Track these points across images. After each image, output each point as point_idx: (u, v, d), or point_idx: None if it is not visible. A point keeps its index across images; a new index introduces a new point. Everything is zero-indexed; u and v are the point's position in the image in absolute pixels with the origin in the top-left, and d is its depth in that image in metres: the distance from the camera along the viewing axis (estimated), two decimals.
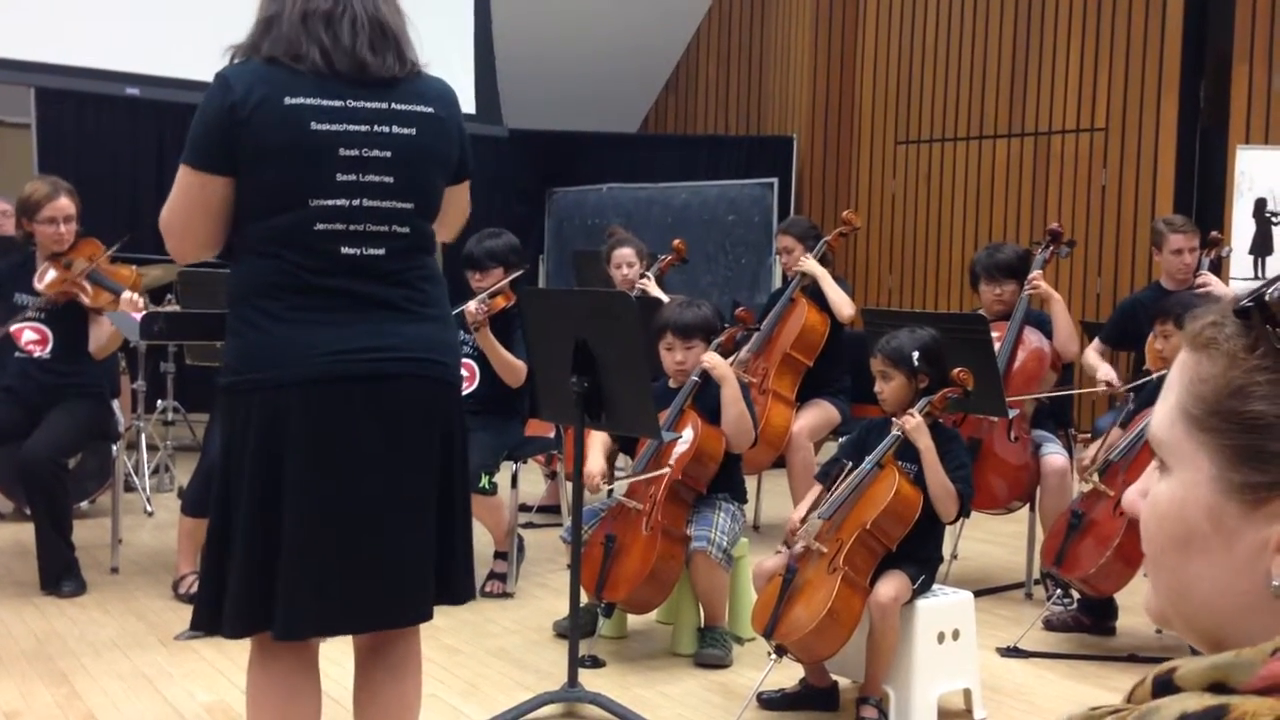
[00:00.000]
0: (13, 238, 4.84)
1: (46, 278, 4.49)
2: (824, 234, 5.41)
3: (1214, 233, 5.12)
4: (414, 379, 2.28)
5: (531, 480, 5.83)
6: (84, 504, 5.41)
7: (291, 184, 2.21)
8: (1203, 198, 8.01)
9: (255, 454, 2.20)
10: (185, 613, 4.03)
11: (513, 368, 4.48)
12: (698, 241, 8.28)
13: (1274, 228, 7.15)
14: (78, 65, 7.64)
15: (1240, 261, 7.09)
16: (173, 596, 4.34)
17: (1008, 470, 4.53)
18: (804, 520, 3.35)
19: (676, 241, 5.55)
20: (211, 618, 2.27)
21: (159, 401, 6.45)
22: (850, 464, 3.38)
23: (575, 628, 3.37)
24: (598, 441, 4.02)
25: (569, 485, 4.06)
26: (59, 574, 4.37)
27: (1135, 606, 4.04)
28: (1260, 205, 7.18)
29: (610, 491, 3.97)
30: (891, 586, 3.21)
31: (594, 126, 10.20)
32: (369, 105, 2.25)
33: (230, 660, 3.59)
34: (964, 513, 3.45)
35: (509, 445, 4.63)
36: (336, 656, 3.08)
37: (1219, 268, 5.27)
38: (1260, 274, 7.10)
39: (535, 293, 4.93)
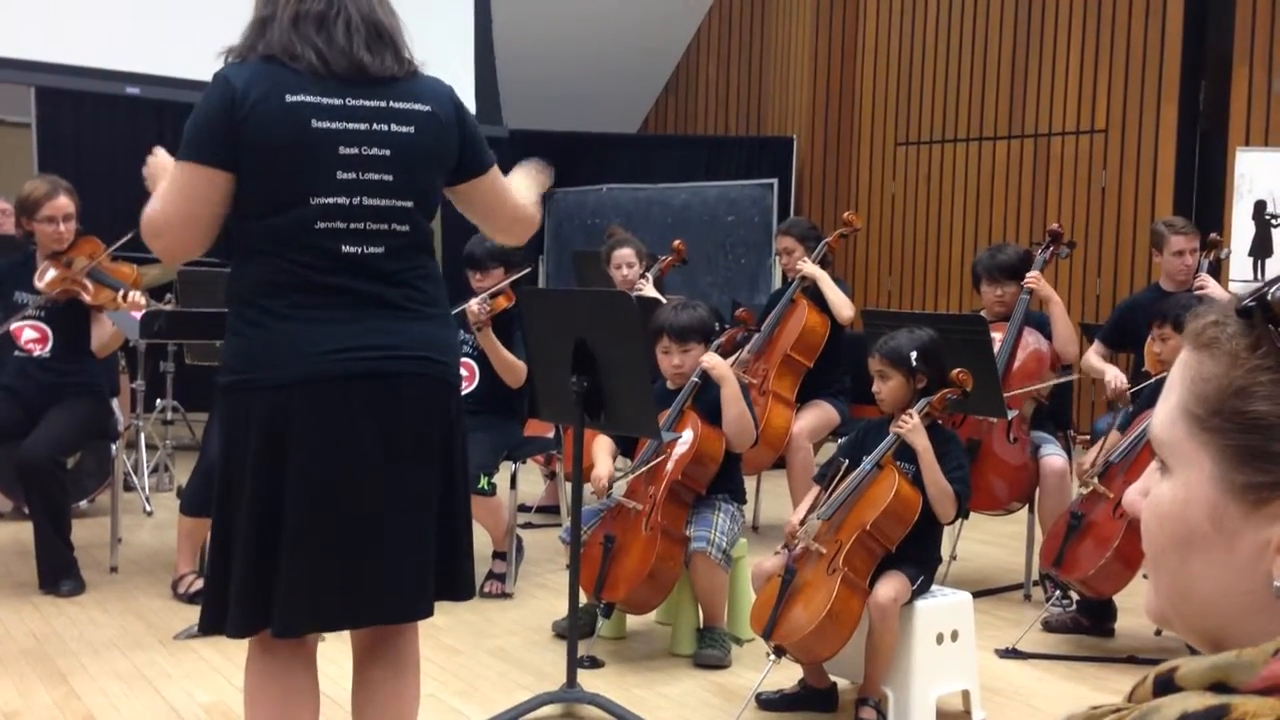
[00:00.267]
0: (13, 236, 4.84)
1: (47, 276, 4.49)
2: (824, 235, 5.41)
3: (1213, 234, 5.12)
4: (414, 378, 2.28)
5: (530, 480, 5.83)
6: (83, 503, 5.41)
7: (292, 182, 2.21)
8: (1202, 200, 8.01)
9: (255, 453, 2.20)
10: (185, 612, 4.05)
11: (513, 368, 4.48)
12: (697, 242, 8.28)
13: (1273, 230, 7.16)
14: (78, 64, 7.65)
15: (1240, 263, 7.10)
16: (172, 596, 4.34)
17: (1007, 471, 4.53)
18: (803, 522, 3.35)
19: (677, 242, 5.55)
20: (219, 619, 2.27)
21: (158, 401, 6.46)
22: (847, 462, 3.38)
23: (574, 628, 3.37)
24: (604, 446, 4.02)
25: (568, 485, 4.06)
26: (58, 573, 4.37)
27: (1134, 608, 4.04)
28: (1260, 207, 7.19)
29: (609, 492, 3.97)
30: (890, 587, 3.21)
31: (594, 127, 10.21)
32: (368, 104, 2.25)
33: (229, 660, 3.59)
34: (962, 513, 3.45)
35: (508, 445, 4.63)
36: (335, 656, 3.08)
37: (1218, 270, 5.27)
38: (1259, 276, 7.11)
39: (535, 292, 4.93)
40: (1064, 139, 8.56)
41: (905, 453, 3.33)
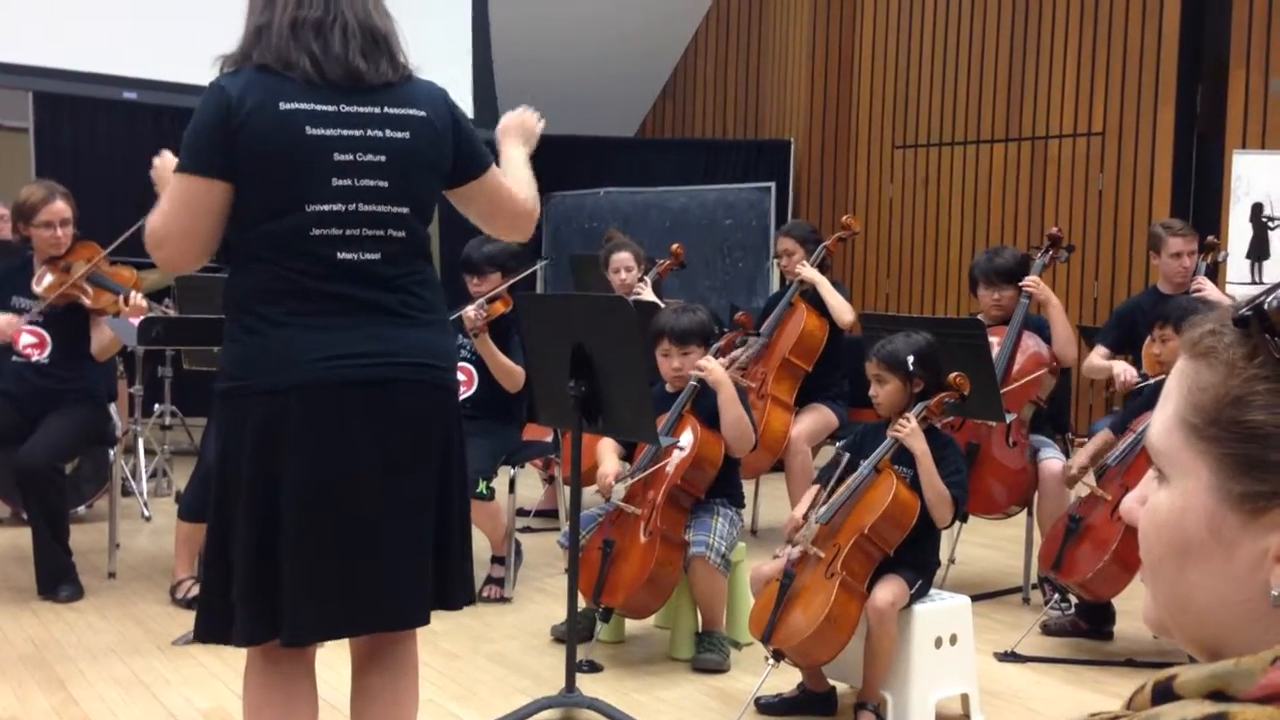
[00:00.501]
0: (10, 241, 4.84)
1: (44, 281, 4.49)
2: (823, 238, 5.41)
3: (1210, 237, 5.12)
4: (411, 384, 2.28)
5: (529, 485, 5.83)
6: (81, 509, 5.40)
7: (288, 189, 2.21)
8: (1200, 202, 8.02)
9: (252, 459, 2.20)
10: (183, 618, 4.04)
11: (511, 373, 4.48)
12: (695, 245, 8.28)
13: (1270, 232, 7.16)
14: (75, 69, 7.65)
15: (1237, 266, 7.10)
16: (170, 602, 4.33)
17: (1006, 475, 4.53)
18: (805, 518, 3.36)
19: (675, 246, 5.55)
20: (215, 627, 2.27)
21: (156, 406, 6.45)
22: (848, 455, 3.39)
23: (573, 632, 3.37)
24: (609, 446, 4.03)
25: (567, 490, 4.06)
26: (56, 579, 4.36)
27: (1133, 611, 4.04)
28: (1257, 210, 7.19)
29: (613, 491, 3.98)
30: (889, 591, 3.21)
31: (592, 130, 10.20)
32: (362, 110, 2.25)
33: (228, 666, 3.58)
34: (959, 517, 3.45)
35: (507, 450, 4.62)
36: (333, 661, 3.07)
37: (1215, 272, 5.27)
38: (1257, 278, 7.11)
39: (533, 298, 4.93)
40: (1061, 142, 8.57)
41: (903, 457, 3.33)
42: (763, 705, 3.39)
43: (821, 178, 9.90)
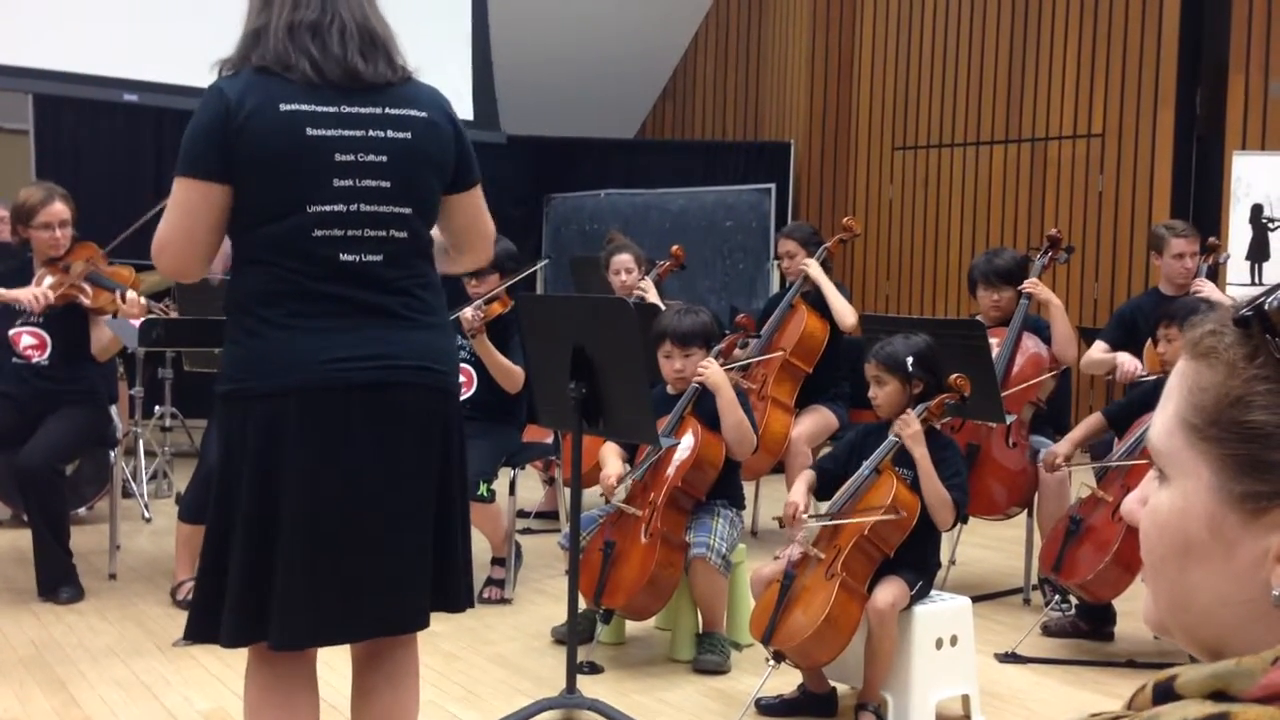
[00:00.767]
0: (9, 244, 4.84)
1: (44, 283, 4.49)
2: (824, 240, 5.42)
3: (1212, 238, 5.12)
4: (412, 387, 2.28)
5: (529, 486, 5.82)
6: (82, 510, 5.40)
7: (289, 190, 2.20)
8: (1199, 204, 8.02)
9: (253, 461, 2.20)
10: (183, 619, 4.00)
11: (510, 374, 4.47)
12: (695, 247, 8.28)
13: (1270, 234, 7.16)
14: (75, 71, 7.64)
15: (1237, 267, 7.10)
16: (171, 603, 4.33)
17: (1006, 476, 4.53)
18: (803, 511, 3.36)
19: (675, 248, 5.55)
20: (206, 627, 2.26)
21: (157, 407, 6.45)
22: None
23: (573, 634, 3.37)
24: (613, 448, 4.03)
25: (567, 491, 4.06)
26: (57, 580, 4.36)
27: (1133, 612, 4.04)
28: (1256, 211, 7.19)
29: (611, 498, 3.98)
30: (889, 592, 3.21)
31: (592, 132, 10.21)
32: (363, 110, 2.24)
33: (229, 668, 3.58)
34: (960, 519, 3.45)
35: (507, 452, 4.62)
36: (334, 663, 3.07)
37: (1216, 273, 5.27)
38: (1257, 280, 7.11)
39: (533, 299, 4.93)
40: (1061, 143, 8.57)
41: (903, 458, 3.33)
42: (763, 706, 3.39)
43: (821, 179, 9.90)
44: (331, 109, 2.22)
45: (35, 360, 4.53)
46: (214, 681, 3.57)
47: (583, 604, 3.63)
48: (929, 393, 3.37)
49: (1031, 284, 4.67)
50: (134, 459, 5.94)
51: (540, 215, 9.95)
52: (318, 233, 2.21)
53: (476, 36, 9.32)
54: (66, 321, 4.54)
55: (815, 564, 3.26)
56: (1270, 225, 7.16)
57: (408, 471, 2.27)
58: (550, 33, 9.78)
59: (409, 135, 2.28)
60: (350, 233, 2.23)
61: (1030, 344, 4.64)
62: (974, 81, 9.05)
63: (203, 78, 2.31)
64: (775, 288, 7.92)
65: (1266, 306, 0.77)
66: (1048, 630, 4.14)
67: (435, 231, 2.40)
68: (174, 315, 4.85)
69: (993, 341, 4.51)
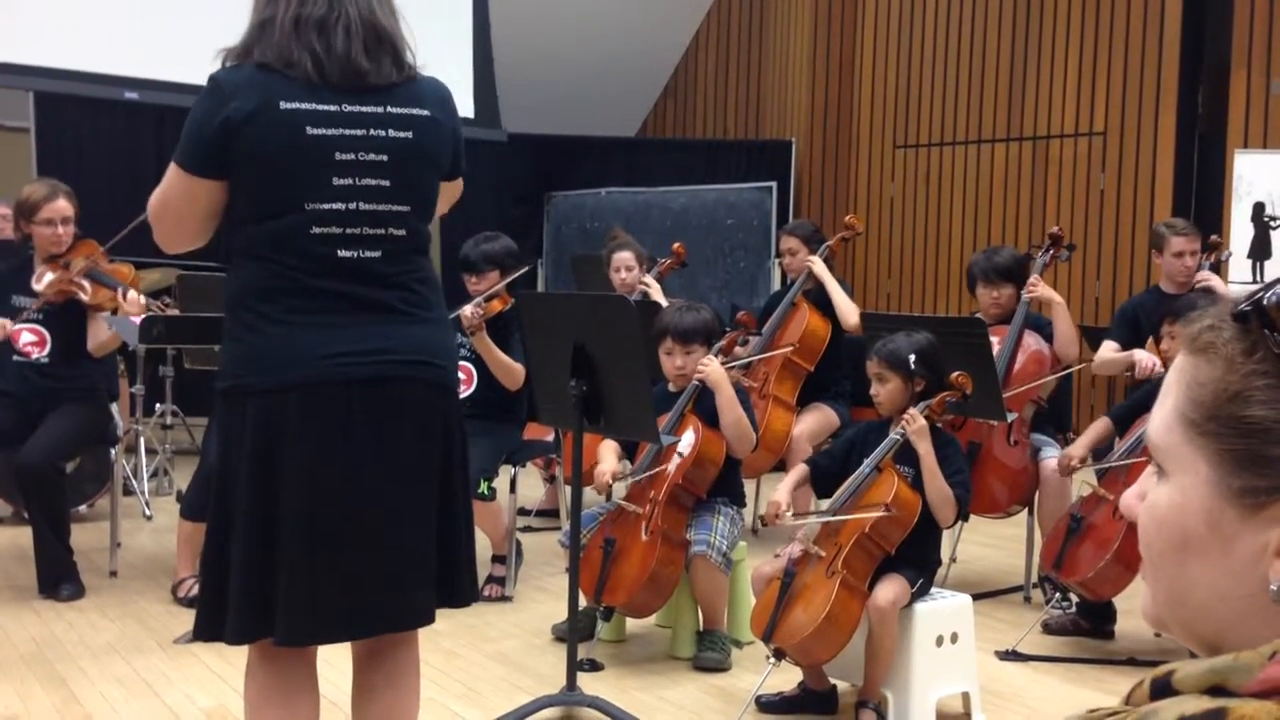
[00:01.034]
0: (12, 241, 4.84)
1: (45, 279, 4.49)
2: (826, 238, 5.41)
3: (1214, 236, 5.11)
4: (411, 382, 2.28)
5: (530, 484, 5.83)
6: (82, 508, 5.41)
7: (288, 188, 2.21)
8: (1201, 202, 8.01)
9: (253, 458, 2.20)
10: (185, 617, 4.04)
11: (510, 371, 4.47)
12: (696, 245, 8.28)
13: (1272, 232, 7.16)
14: (76, 69, 7.64)
15: (1239, 265, 7.10)
16: (172, 600, 4.34)
17: (1007, 474, 4.53)
18: (802, 514, 3.35)
19: (676, 245, 5.55)
20: (213, 625, 2.26)
21: (157, 405, 6.45)
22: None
23: (574, 631, 3.37)
24: (611, 446, 4.03)
25: (568, 489, 4.06)
26: (57, 578, 4.37)
27: (1134, 610, 4.04)
28: (1258, 209, 7.19)
29: (609, 495, 3.98)
30: (890, 590, 3.21)
31: (593, 130, 10.21)
32: (364, 109, 2.24)
33: (230, 665, 3.58)
34: (962, 517, 3.45)
35: (507, 449, 4.62)
36: (334, 659, 3.07)
37: (1218, 271, 5.26)
38: (1258, 278, 7.11)
39: (534, 296, 4.93)
40: (1063, 141, 8.56)
41: (904, 456, 3.33)
42: (764, 704, 3.39)
43: (822, 177, 9.89)
44: (332, 107, 2.22)
45: (35, 357, 4.53)
46: (215, 679, 3.58)
47: (583, 601, 3.63)
48: (931, 390, 3.37)
49: (1034, 282, 4.67)
50: (135, 456, 5.95)
51: (541, 213, 9.95)
52: (316, 230, 2.21)
53: (478, 34, 9.32)
54: (66, 318, 4.54)
55: (816, 561, 3.26)
56: (1272, 223, 7.16)
57: (408, 466, 2.27)
58: (551, 31, 9.77)
59: (411, 134, 2.28)
60: (349, 230, 2.23)
61: (1031, 342, 4.64)
62: (975, 79, 9.04)
63: (204, 75, 2.30)
64: (776, 286, 7.92)
65: (1265, 302, 0.77)
66: (1048, 628, 4.14)
67: None
68: (174, 313, 4.85)
69: (993, 339, 4.50)
